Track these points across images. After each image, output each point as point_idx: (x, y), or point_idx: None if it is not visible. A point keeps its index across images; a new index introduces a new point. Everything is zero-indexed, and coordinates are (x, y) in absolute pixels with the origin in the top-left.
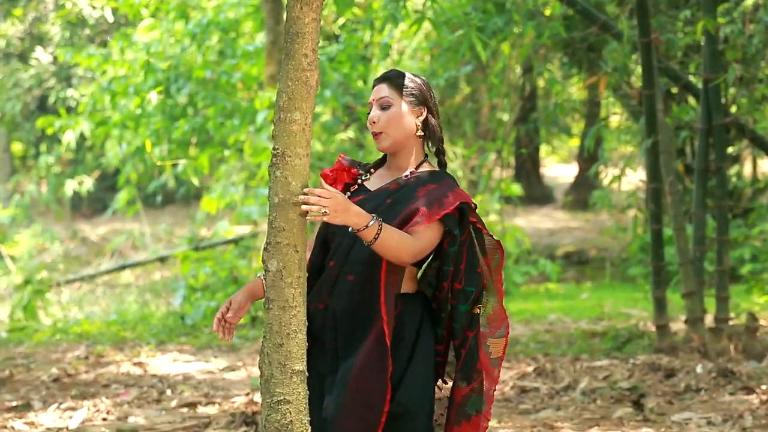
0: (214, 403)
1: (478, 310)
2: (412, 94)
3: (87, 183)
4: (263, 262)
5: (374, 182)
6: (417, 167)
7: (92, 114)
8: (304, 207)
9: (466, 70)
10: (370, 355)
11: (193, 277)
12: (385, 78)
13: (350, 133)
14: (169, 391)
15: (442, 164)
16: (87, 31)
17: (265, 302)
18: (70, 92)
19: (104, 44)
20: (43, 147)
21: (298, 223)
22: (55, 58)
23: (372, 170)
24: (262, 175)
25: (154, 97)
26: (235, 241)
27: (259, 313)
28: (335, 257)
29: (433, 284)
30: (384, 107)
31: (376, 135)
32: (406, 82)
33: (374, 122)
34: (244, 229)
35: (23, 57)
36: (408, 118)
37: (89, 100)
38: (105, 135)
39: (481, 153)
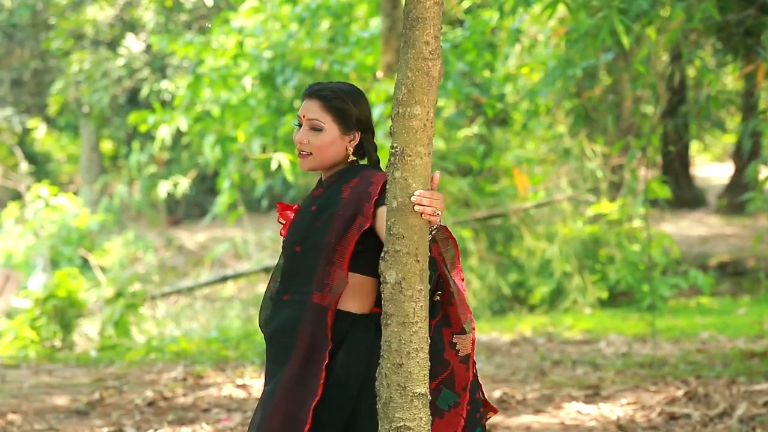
0: None
1: (437, 298)
2: (346, 119)
3: (183, 185)
4: (380, 272)
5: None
6: None
7: (189, 108)
8: (417, 209)
9: (607, 59)
10: (291, 380)
11: None
12: (318, 95)
13: (476, 129)
14: None
15: (375, 163)
16: (183, 17)
17: (383, 317)
18: (164, 84)
19: (202, 31)
20: (135, 145)
21: (418, 229)
22: (149, 47)
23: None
24: None
25: (248, 82)
26: None
27: None
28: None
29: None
30: (315, 129)
31: (301, 155)
32: (340, 105)
33: (301, 143)
34: None
35: (113, 45)
36: (338, 144)
37: (186, 93)
38: (203, 131)
39: (624, 151)
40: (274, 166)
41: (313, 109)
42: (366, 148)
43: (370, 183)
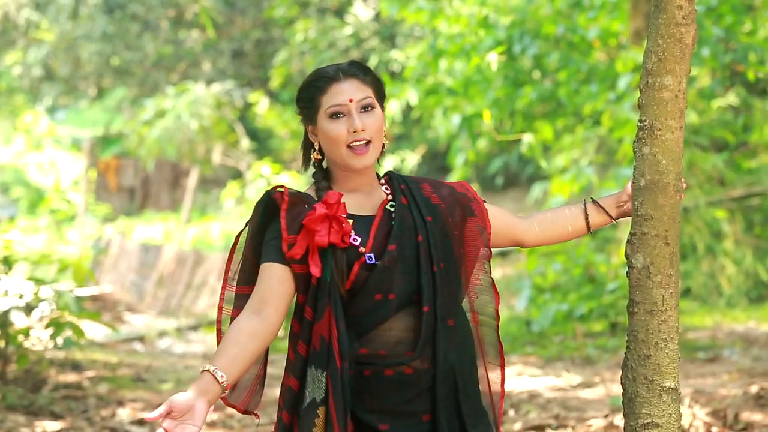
0: (566, 426)
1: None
2: (383, 94)
3: (411, 161)
4: (626, 256)
5: (358, 208)
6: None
7: (420, 80)
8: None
9: None
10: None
11: (541, 275)
12: (349, 73)
13: (731, 99)
14: (512, 411)
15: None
16: None
17: (629, 305)
18: (394, 54)
19: None
20: None
21: (669, 210)
22: (378, 14)
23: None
24: (624, 152)
25: (494, 59)
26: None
27: (620, 318)
28: (425, 299)
29: None
30: (367, 109)
31: (359, 148)
32: (377, 77)
33: (363, 129)
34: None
35: (340, 13)
36: (383, 127)
37: (417, 63)
38: (436, 105)
39: None
40: (524, 148)
41: (355, 88)
42: (386, 133)
43: (450, 186)
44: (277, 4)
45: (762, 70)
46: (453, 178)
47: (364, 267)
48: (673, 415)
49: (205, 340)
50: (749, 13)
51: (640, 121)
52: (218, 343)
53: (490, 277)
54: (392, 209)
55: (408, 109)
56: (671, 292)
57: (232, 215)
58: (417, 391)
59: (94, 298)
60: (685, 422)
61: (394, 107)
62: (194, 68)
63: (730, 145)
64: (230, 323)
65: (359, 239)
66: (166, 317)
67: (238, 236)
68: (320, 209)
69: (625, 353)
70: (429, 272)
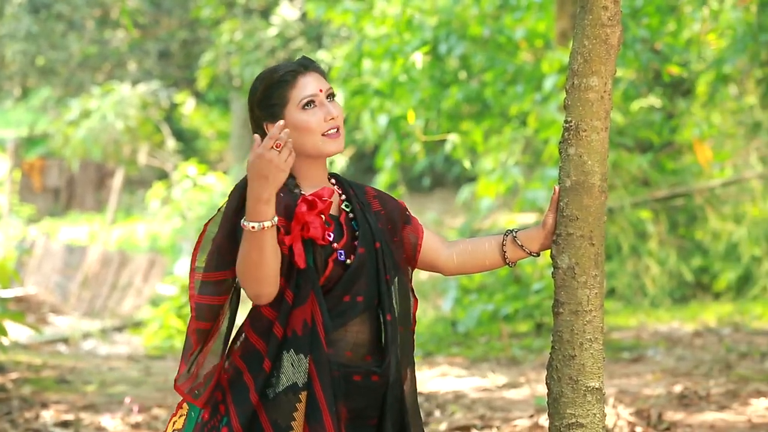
0: (491, 426)
1: None
2: None
3: (339, 162)
4: (552, 257)
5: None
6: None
7: (347, 80)
8: None
9: None
10: None
11: (467, 277)
12: (312, 66)
13: (654, 100)
14: (437, 412)
15: None
16: None
17: (554, 305)
18: (321, 54)
19: None
20: None
21: (594, 210)
22: (304, 14)
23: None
24: (550, 153)
25: (419, 59)
26: None
27: (546, 318)
28: (386, 306)
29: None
30: (330, 98)
31: (333, 135)
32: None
33: (337, 116)
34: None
35: (266, 13)
36: None
37: (343, 64)
38: (362, 105)
39: None
40: (448, 148)
41: (318, 79)
42: None
43: (387, 194)
44: (203, 4)
45: (685, 71)
46: (381, 179)
47: (337, 264)
48: (598, 415)
49: (130, 341)
50: (673, 14)
51: (566, 121)
52: (191, 341)
53: (410, 284)
54: (347, 209)
55: None
56: (596, 293)
57: (158, 216)
58: (375, 396)
59: (18, 300)
60: (609, 422)
61: None
62: (120, 68)
63: (655, 146)
64: (204, 309)
65: (332, 236)
66: (90, 318)
67: (206, 224)
68: (319, 203)
69: (550, 353)
70: (387, 279)
